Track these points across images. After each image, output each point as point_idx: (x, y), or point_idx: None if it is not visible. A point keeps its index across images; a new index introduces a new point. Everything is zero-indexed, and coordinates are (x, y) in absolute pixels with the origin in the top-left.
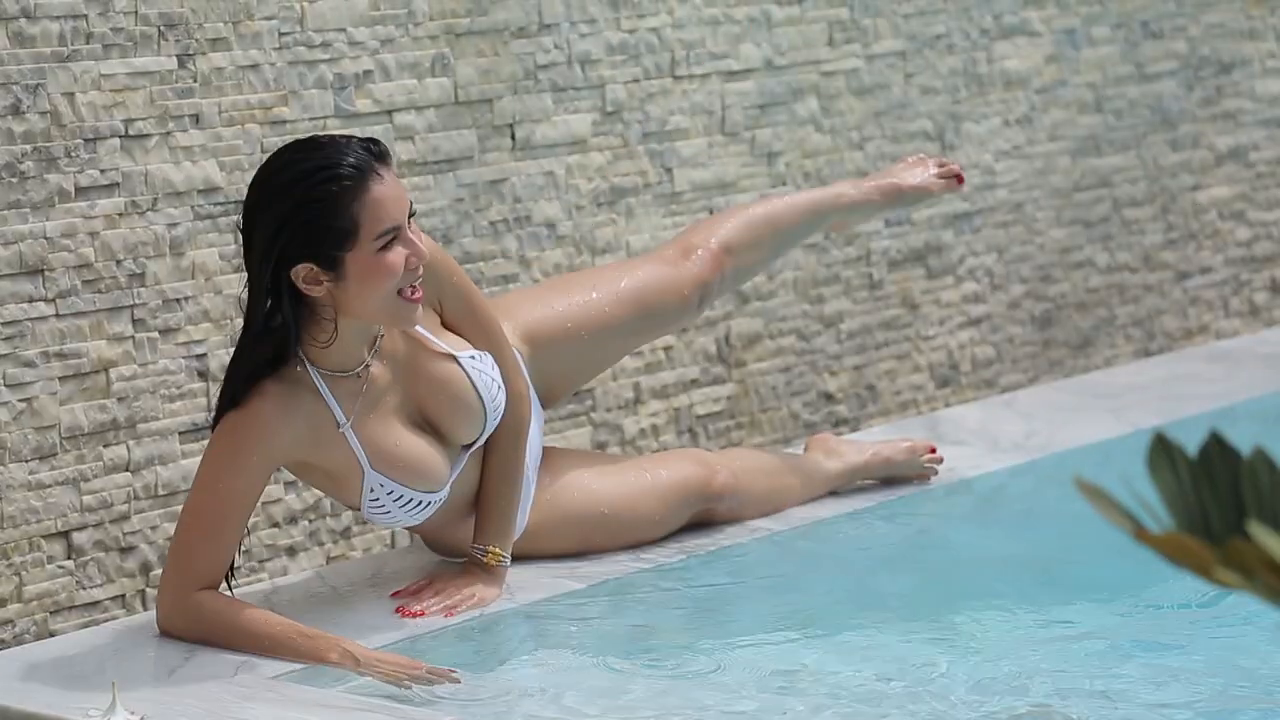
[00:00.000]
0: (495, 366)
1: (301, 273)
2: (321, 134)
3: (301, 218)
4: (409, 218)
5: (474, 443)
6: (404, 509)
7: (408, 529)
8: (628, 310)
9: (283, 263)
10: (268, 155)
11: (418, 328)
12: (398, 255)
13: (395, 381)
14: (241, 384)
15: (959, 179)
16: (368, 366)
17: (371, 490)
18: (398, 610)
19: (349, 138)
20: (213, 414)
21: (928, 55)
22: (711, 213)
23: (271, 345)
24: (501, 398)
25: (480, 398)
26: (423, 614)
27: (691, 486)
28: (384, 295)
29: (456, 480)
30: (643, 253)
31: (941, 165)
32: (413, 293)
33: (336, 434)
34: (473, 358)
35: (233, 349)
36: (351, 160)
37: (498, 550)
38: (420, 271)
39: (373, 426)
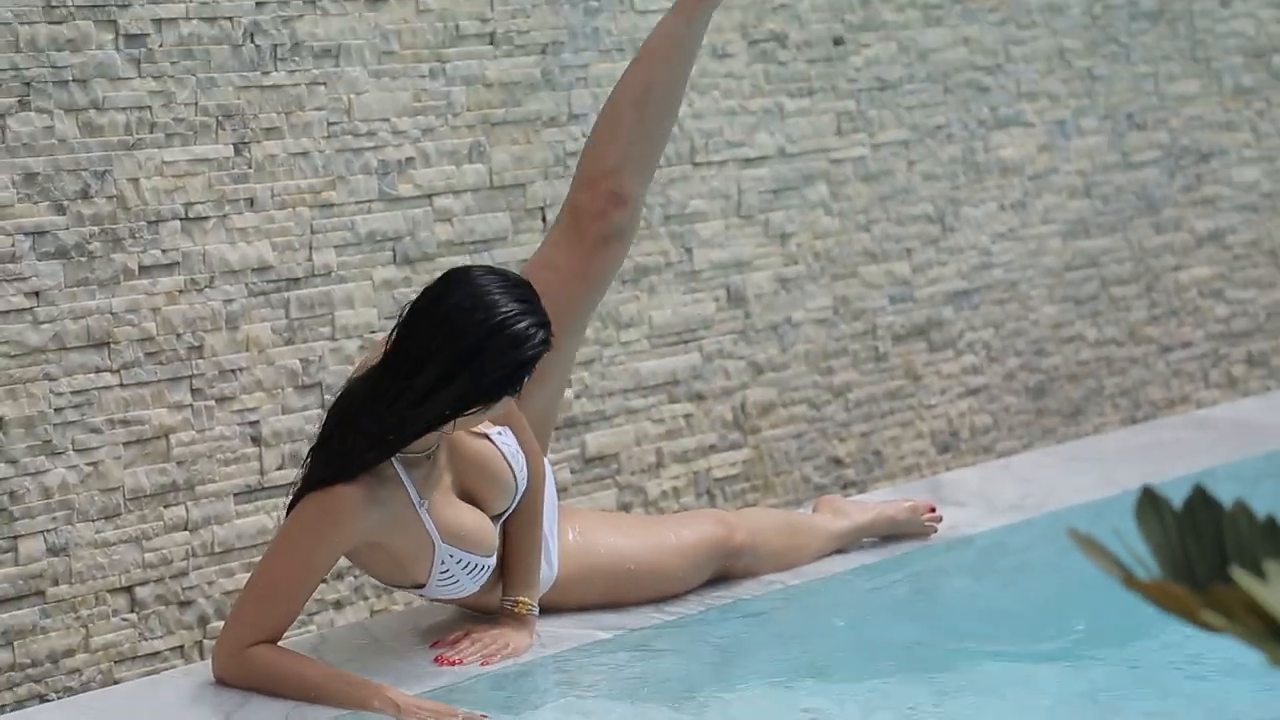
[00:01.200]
0: (514, 439)
1: (475, 399)
2: (499, 268)
3: (508, 367)
4: None
5: (505, 511)
6: (470, 575)
7: (452, 601)
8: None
9: (468, 396)
10: (455, 273)
11: None
12: (502, 408)
13: (448, 462)
14: (352, 460)
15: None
16: (437, 450)
17: (443, 563)
18: (436, 659)
19: (539, 318)
20: (301, 481)
21: (929, 144)
22: (729, 291)
23: (393, 438)
24: (523, 464)
25: (512, 470)
26: (460, 662)
27: (712, 544)
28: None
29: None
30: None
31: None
32: None
33: (414, 515)
34: (500, 433)
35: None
36: (543, 321)
37: (526, 600)
38: None
39: (438, 504)
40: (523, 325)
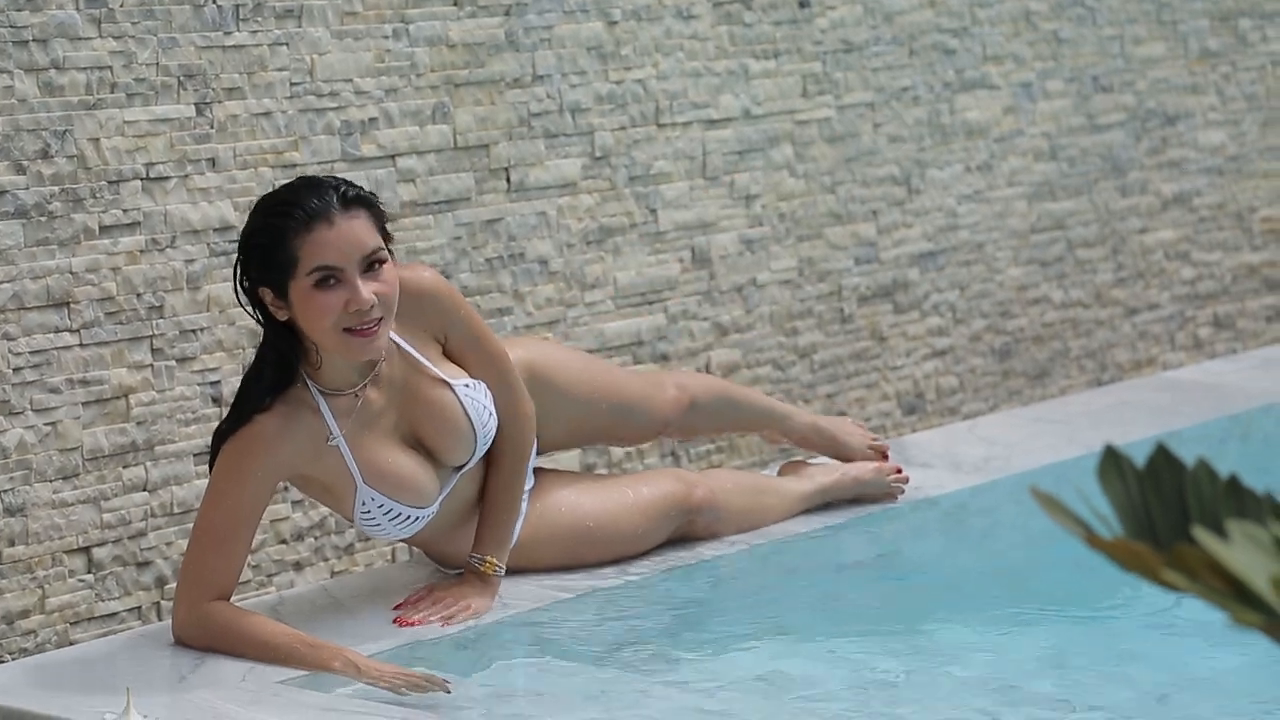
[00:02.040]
0: (489, 395)
1: (267, 296)
2: (320, 175)
3: (258, 242)
4: (373, 264)
5: (465, 465)
6: (393, 522)
7: (405, 541)
8: (604, 394)
9: (253, 284)
10: None
11: (416, 355)
12: (334, 297)
13: (391, 404)
14: (250, 402)
15: (884, 455)
16: (364, 388)
17: (363, 504)
18: (396, 620)
19: (330, 182)
20: (221, 427)
21: (895, 106)
22: (693, 253)
23: (270, 367)
24: (493, 425)
25: (471, 423)
26: (421, 623)
27: (671, 501)
28: (326, 330)
29: (448, 498)
30: (632, 369)
31: (874, 439)
32: (361, 331)
33: (329, 447)
34: (467, 386)
35: (241, 374)
36: (311, 201)
37: (494, 561)
38: (365, 316)
39: (367, 444)
40: (274, 198)
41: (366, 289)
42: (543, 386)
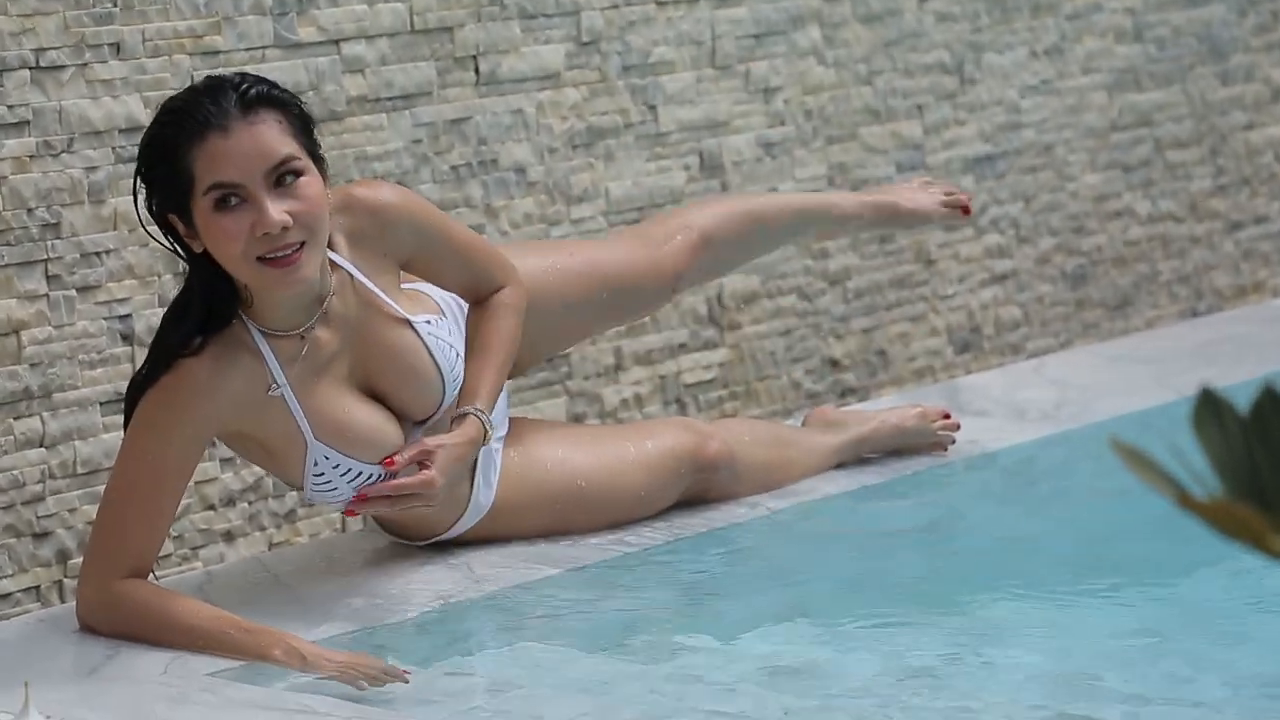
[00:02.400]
0: (454, 333)
1: (175, 223)
2: (222, 74)
3: (154, 159)
4: (284, 177)
5: (428, 419)
6: (351, 484)
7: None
8: (600, 284)
9: (157, 207)
10: None
11: (371, 288)
12: (237, 220)
13: (345, 347)
14: (172, 343)
15: (965, 210)
16: (310, 329)
17: (316, 463)
18: (383, 461)
19: (230, 81)
20: (138, 376)
21: None
22: (702, 158)
23: (195, 302)
24: (460, 367)
25: (438, 367)
26: (393, 464)
27: (681, 456)
28: (236, 259)
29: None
30: (621, 228)
31: (949, 193)
32: (277, 260)
33: (271, 397)
34: (428, 323)
35: (159, 308)
36: (205, 105)
37: (476, 411)
38: (277, 240)
39: (317, 393)
40: (166, 110)
41: (276, 209)
42: (527, 306)
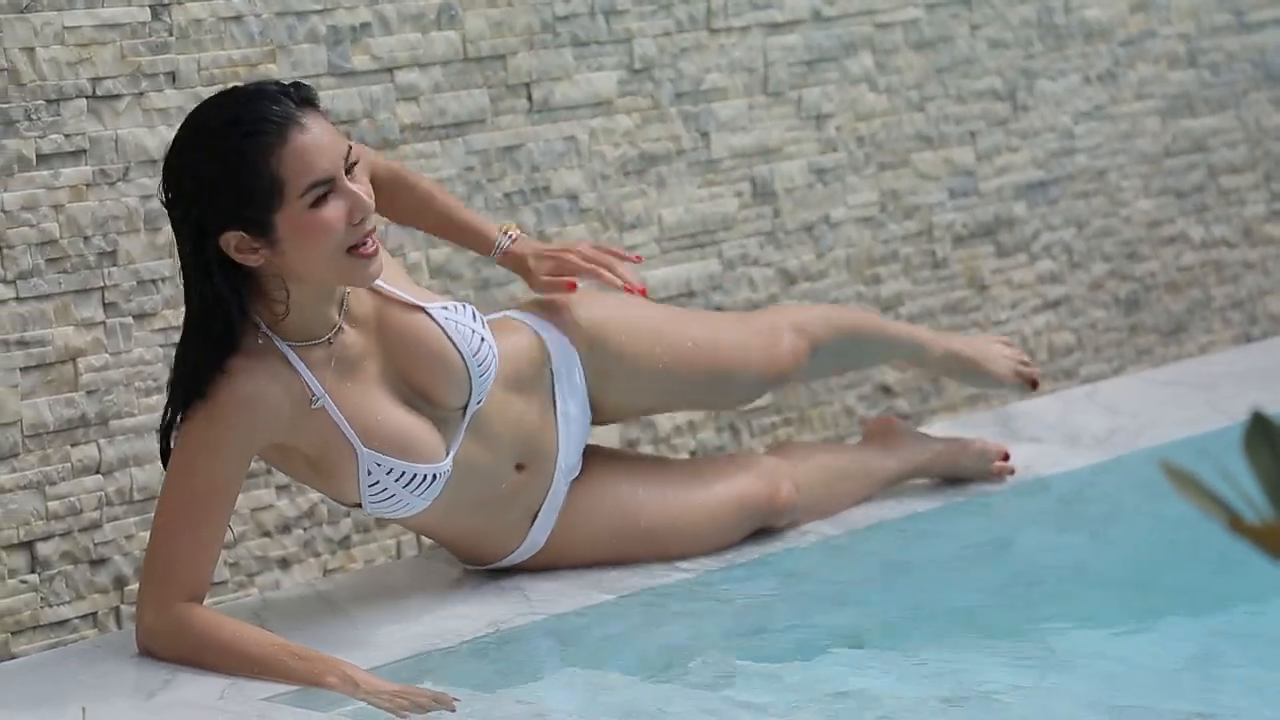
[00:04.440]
0: (477, 318)
1: (232, 241)
2: (242, 84)
3: (218, 180)
4: (350, 166)
5: (467, 405)
6: (409, 489)
7: (423, 530)
8: (705, 373)
9: (206, 233)
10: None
11: (380, 283)
12: (335, 210)
13: (370, 347)
14: (201, 371)
15: (1034, 384)
16: (339, 331)
17: (369, 472)
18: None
19: (268, 85)
20: (167, 413)
21: (996, 3)
22: (754, 185)
23: (220, 324)
24: (486, 352)
25: (460, 353)
26: (573, 286)
27: (751, 505)
28: (329, 255)
29: (462, 457)
30: (732, 314)
31: (1025, 363)
32: (365, 247)
33: (313, 410)
34: (444, 308)
35: None
36: (271, 110)
37: (500, 231)
38: (368, 224)
39: (354, 399)
40: (218, 123)
41: (364, 190)
42: (616, 359)
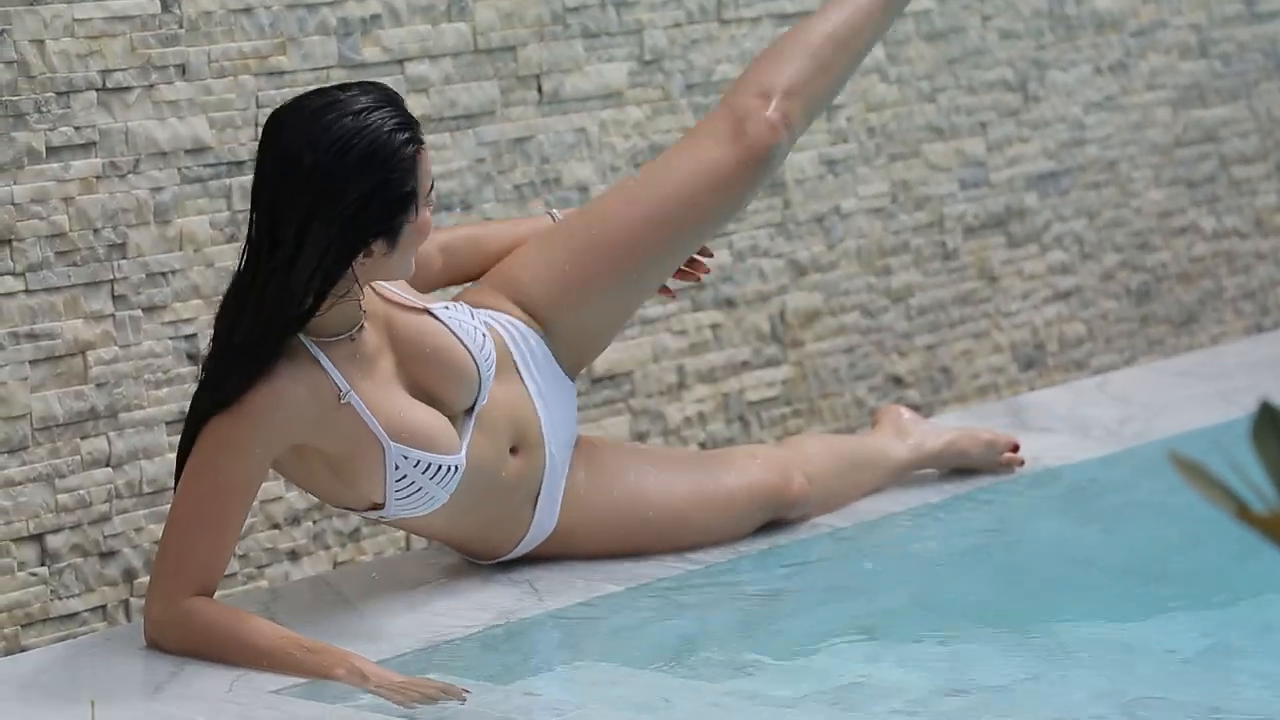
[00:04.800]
0: (474, 315)
1: (374, 249)
2: (329, 86)
3: (372, 191)
4: None
5: (474, 405)
6: (435, 480)
7: (429, 533)
8: (675, 220)
9: (358, 243)
10: (276, 117)
11: (385, 285)
12: (429, 210)
13: (384, 344)
14: (247, 371)
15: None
16: (361, 327)
17: (396, 466)
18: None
19: (379, 88)
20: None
21: None
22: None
23: (279, 317)
24: (490, 348)
25: (468, 349)
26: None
27: (762, 496)
28: (415, 255)
29: (470, 451)
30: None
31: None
32: None
33: (340, 406)
34: (446, 308)
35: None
36: (406, 114)
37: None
38: None
39: (378, 394)
40: (377, 128)
41: None
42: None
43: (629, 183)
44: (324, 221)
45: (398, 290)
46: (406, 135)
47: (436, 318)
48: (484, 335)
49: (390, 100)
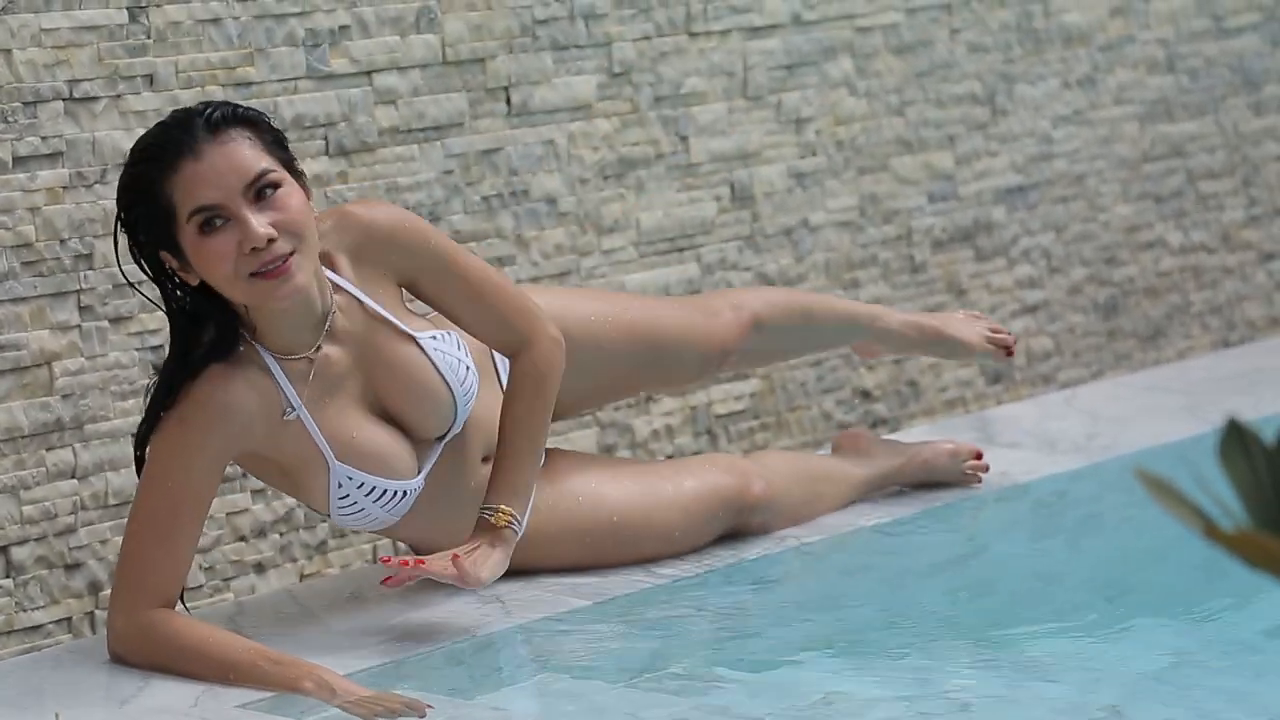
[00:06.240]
0: (461, 346)
1: (168, 260)
2: (180, 108)
3: (132, 203)
4: (263, 191)
5: (446, 434)
6: (377, 503)
7: (388, 535)
8: (647, 343)
9: (145, 249)
10: None
11: (372, 304)
12: (224, 241)
13: (355, 367)
14: (175, 377)
15: (1009, 351)
16: (318, 349)
17: (340, 485)
18: (384, 581)
19: (196, 110)
20: (146, 409)
21: (976, 8)
22: (733, 189)
23: (195, 332)
24: (472, 381)
25: (447, 384)
26: (398, 582)
27: (721, 498)
28: (229, 280)
29: (434, 472)
30: (670, 296)
31: (995, 330)
32: (269, 272)
33: (286, 421)
34: (434, 338)
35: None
36: (174, 135)
37: (508, 511)
38: (266, 253)
39: (333, 414)
40: (147, 134)
41: (259, 221)
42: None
43: (631, 298)
44: (126, 227)
45: (387, 312)
46: (146, 152)
47: (421, 348)
48: (467, 368)
49: (184, 116)
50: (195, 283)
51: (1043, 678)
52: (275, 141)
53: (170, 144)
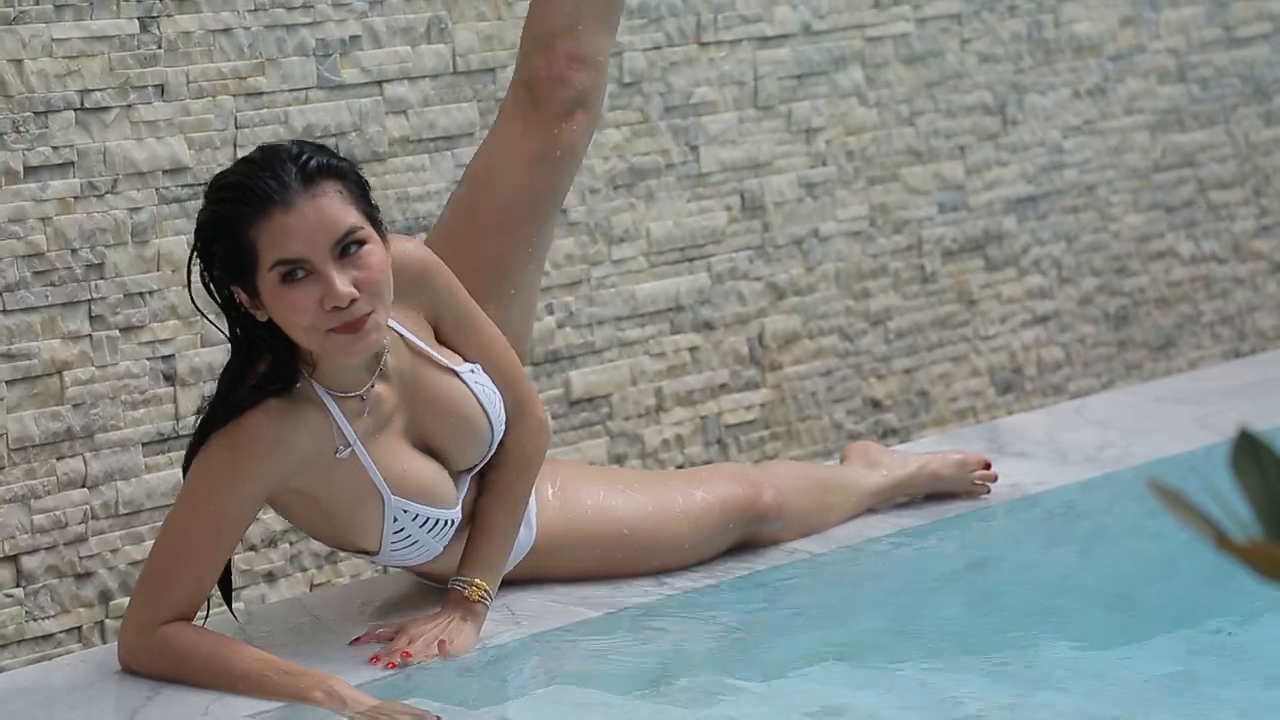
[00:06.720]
0: (487, 376)
1: (240, 296)
2: (279, 143)
3: (211, 234)
4: (349, 247)
5: (474, 466)
6: (430, 533)
7: (425, 568)
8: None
9: (221, 281)
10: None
11: (417, 341)
12: (305, 294)
13: (402, 403)
14: (238, 401)
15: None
16: (371, 388)
17: (395, 519)
18: (372, 659)
19: (288, 152)
20: (198, 427)
21: (987, 18)
22: (743, 199)
23: (262, 363)
24: (502, 413)
25: (486, 415)
26: (394, 665)
27: (733, 509)
28: (304, 331)
29: (464, 502)
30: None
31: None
32: (346, 328)
33: (339, 460)
34: (472, 370)
35: (201, 348)
36: (264, 180)
37: (482, 584)
38: (347, 314)
39: (384, 449)
40: (237, 171)
41: (343, 280)
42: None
43: (461, 198)
44: (204, 259)
45: (430, 348)
46: (238, 193)
47: (463, 380)
48: (499, 397)
49: (273, 157)
50: (264, 319)
51: (1053, 688)
52: (362, 193)
53: (260, 189)
